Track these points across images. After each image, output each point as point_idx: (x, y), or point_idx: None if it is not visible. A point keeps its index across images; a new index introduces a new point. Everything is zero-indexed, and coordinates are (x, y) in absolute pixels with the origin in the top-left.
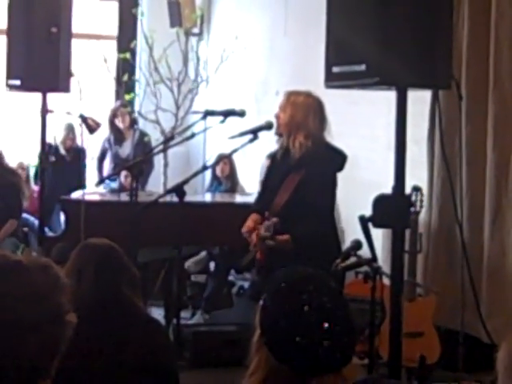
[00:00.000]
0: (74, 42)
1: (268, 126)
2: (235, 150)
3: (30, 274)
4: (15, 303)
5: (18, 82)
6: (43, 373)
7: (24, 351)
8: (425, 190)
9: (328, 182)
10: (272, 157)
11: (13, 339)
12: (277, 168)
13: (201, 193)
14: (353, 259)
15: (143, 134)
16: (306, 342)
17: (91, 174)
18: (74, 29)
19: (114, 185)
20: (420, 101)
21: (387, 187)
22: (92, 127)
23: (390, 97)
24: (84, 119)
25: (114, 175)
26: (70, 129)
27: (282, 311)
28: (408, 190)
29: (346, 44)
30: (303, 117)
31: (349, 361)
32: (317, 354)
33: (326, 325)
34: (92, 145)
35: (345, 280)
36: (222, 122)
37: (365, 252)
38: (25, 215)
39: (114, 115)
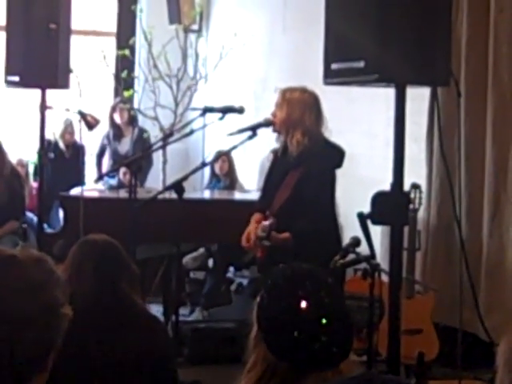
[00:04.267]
0: (73, 38)
1: (267, 123)
2: (234, 147)
3: (25, 267)
4: (10, 296)
5: (16, 79)
6: (40, 366)
7: (20, 343)
8: (424, 188)
9: (327, 179)
10: (274, 154)
11: (8, 331)
12: (277, 166)
13: (200, 190)
14: (351, 256)
15: (142, 131)
16: (303, 337)
17: (90, 171)
18: (73, 25)
19: (113, 181)
20: (419, 98)
21: (386, 184)
22: (91, 124)
23: (388, 94)
24: (83, 116)
25: (112, 172)
26: (69, 123)
27: (280, 307)
28: (407, 187)
29: (344, 41)
30: (300, 114)
31: (346, 356)
32: (314, 349)
33: (324, 320)
34: (91, 141)
35: (345, 277)
36: (221, 118)
37: (363, 249)
38: None
39: (112, 111)
